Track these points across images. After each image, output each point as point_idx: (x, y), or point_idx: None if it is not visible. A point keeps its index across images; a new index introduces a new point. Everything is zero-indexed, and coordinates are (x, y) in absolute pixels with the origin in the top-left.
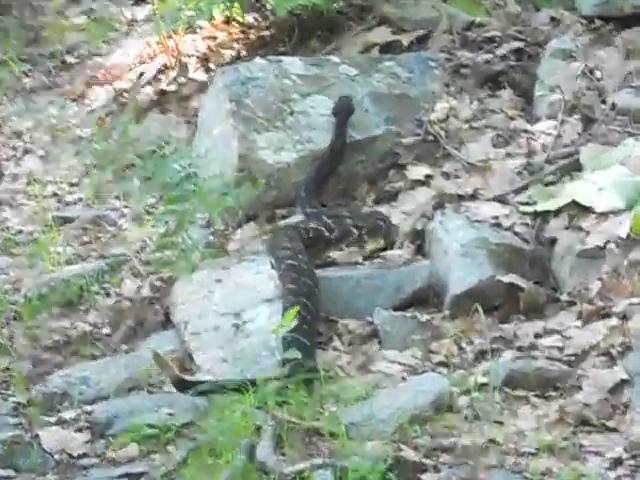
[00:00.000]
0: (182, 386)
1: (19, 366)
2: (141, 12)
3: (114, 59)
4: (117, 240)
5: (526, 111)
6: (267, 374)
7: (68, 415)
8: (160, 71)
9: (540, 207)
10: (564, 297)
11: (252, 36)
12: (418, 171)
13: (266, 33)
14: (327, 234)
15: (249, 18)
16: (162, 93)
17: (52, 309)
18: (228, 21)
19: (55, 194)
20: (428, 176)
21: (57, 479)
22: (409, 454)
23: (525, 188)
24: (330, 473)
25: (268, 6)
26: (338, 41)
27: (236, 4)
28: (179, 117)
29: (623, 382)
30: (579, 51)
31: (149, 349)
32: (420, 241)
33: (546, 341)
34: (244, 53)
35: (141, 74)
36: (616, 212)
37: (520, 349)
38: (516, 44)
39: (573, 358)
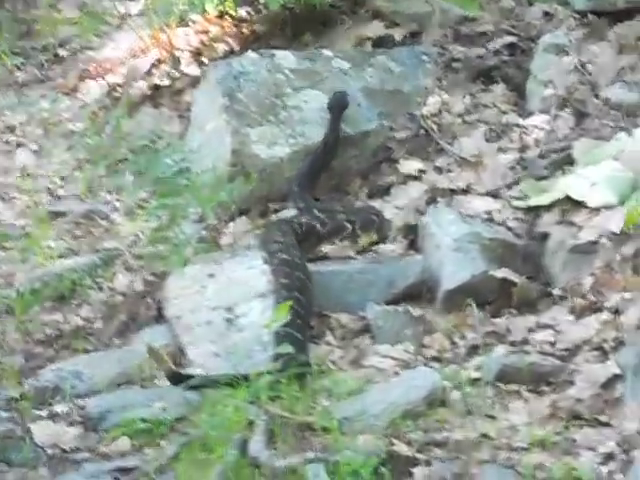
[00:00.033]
0: (177, 380)
1: (11, 360)
2: (134, 6)
3: (106, 53)
4: (110, 234)
5: (519, 106)
6: (260, 369)
7: (60, 409)
8: (153, 65)
9: (533, 202)
10: (557, 292)
11: (245, 30)
12: (411, 166)
13: (259, 27)
14: (320, 228)
15: (242, 12)
16: (155, 87)
17: (44, 303)
18: (221, 15)
19: (47, 188)
20: (421, 171)
21: (49, 473)
22: (401, 448)
23: (517, 183)
24: (322, 468)
25: (261, 0)
26: (331, 35)
27: None
28: (172, 111)
29: (616, 377)
30: (572, 46)
31: (142, 343)
32: (413, 236)
33: (538, 336)
34: (237, 47)
35: (134, 68)
36: (609, 207)
37: (513, 344)
38: (509, 39)
39: (566, 353)
